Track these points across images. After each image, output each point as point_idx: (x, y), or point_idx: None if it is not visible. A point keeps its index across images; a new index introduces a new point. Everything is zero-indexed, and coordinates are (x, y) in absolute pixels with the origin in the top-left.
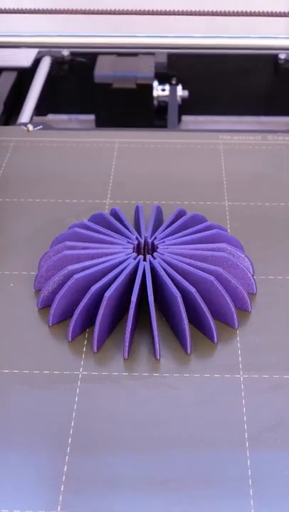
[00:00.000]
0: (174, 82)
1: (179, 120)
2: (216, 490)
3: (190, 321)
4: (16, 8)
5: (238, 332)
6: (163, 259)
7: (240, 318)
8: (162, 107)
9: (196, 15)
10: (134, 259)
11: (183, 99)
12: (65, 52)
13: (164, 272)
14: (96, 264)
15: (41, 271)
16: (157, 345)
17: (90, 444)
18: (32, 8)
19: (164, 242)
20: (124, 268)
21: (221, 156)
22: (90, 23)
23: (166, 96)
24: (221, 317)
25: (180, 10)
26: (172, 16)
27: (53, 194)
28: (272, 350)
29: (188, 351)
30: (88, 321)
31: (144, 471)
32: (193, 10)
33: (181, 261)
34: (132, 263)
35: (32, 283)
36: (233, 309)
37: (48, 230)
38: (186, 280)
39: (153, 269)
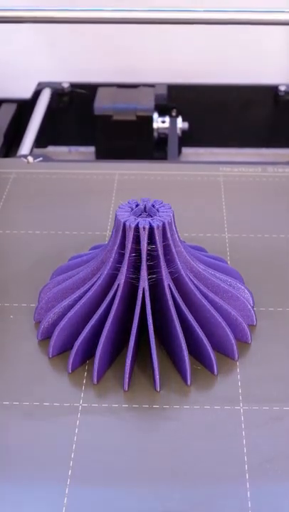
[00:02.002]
0: (174, 114)
1: (179, 152)
2: None
3: (190, 352)
4: None
5: (238, 364)
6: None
7: (240, 350)
8: (162, 138)
9: None
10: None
11: (183, 131)
12: (65, 84)
13: (167, 293)
14: None
15: (41, 303)
16: (157, 377)
17: (89, 476)
18: None
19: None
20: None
21: (221, 187)
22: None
23: (166, 128)
24: (221, 349)
25: None
26: None
27: (53, 226)
28: (273, 382)
29: (189, 383)
30: (88, 352)
31: (144, 503)
32: None
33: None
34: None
35: (32, 315)
36: (233, 341)
37: (48, 262)
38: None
39: (154, 289)
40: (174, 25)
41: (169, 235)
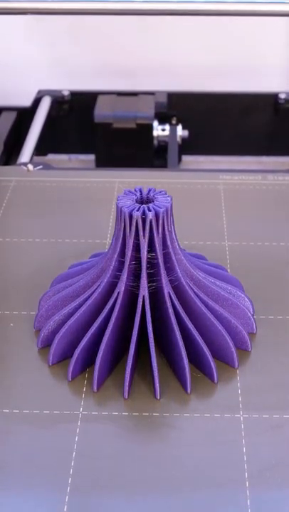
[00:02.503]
0: (174, 122)
1: (179, 160)
2: None
3: (190, 360)
4: None
5: (238, 372)
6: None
7: (240, 358)
8: (162, 146)
9: None
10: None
11: (183, 139)
12: (65, 92)
13: (167, 301)
14: None
15: (41, 310)
16: (157, 385)
17: (90, 484)
18: None
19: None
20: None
21: (221, 195)
22: None
23: (166, 136)
24: (221, 357)
25: None
26: None
27: (53, 234)
28: (272, 390)
29: (189, 391)
30: (88, 360)
31: (144, 511)
32: None
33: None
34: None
35: (32, 323)
36: (233, 349)
37: (48, 270)
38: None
39: (154, 297)
40: (173, 22)
41: (169, 242)
